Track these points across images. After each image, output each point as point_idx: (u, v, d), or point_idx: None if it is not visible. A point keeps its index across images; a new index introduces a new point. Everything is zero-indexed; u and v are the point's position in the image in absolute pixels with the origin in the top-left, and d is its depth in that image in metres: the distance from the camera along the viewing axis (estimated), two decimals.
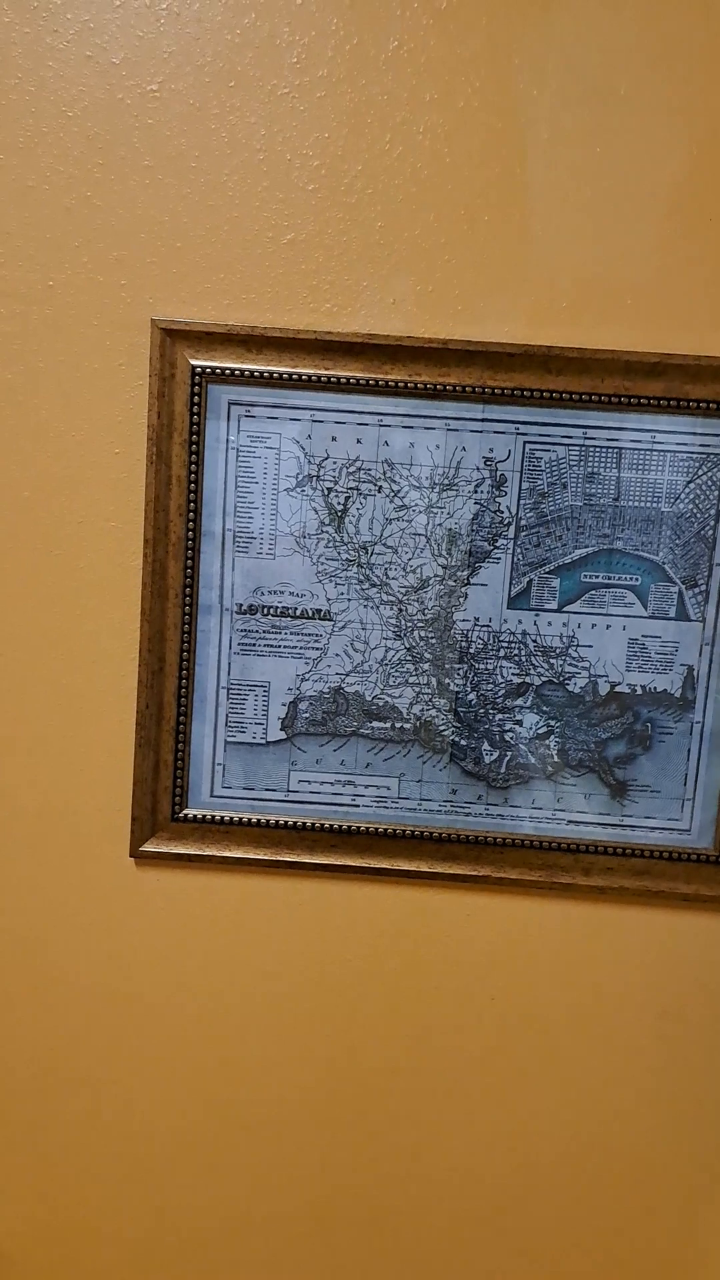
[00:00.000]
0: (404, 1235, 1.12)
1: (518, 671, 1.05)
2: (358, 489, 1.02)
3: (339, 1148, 1.11)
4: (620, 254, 0.99)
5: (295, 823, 1.05)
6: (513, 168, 0.98)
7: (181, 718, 1.04)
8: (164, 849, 1.05)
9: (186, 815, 1.05)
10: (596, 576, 1.03)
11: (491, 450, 1.02)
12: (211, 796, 1.06)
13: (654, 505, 1.02)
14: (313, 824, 1.05)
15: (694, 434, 1.01)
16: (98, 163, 0.98)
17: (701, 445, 1.01)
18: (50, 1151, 1.12)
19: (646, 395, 1.00)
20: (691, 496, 1.02)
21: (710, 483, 1.01)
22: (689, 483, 1.01)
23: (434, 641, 1.04)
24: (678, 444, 1.01)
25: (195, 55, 0.96)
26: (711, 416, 1.00)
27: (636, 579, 1.03)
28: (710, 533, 1.02)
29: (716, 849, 1.05)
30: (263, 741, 1.05)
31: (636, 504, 1.02)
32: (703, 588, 1.03)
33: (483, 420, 1.01)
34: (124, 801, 1.05)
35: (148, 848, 1.05)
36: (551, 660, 1.04)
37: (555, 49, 0.96)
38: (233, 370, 0.99)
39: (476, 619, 1.04)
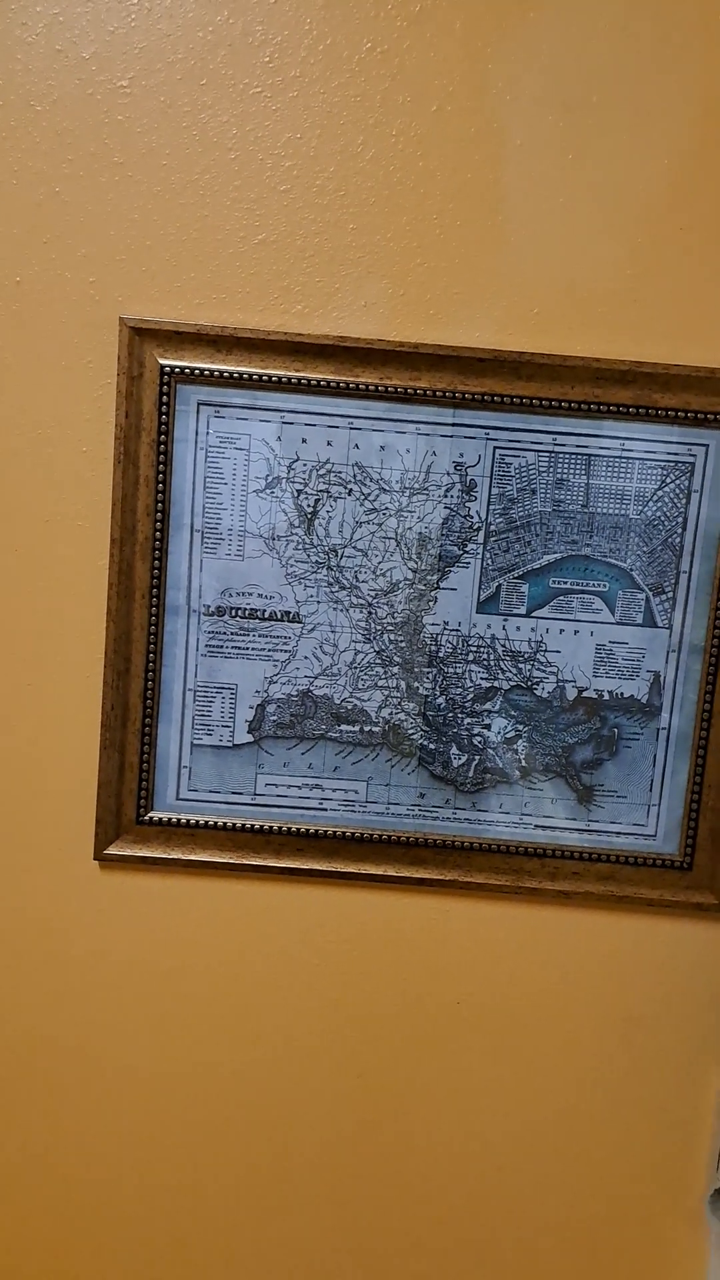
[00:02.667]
0: (370, 1237, 1.12)
1: (486, 676, 1.05)
2: (328, 491, 1.02)
3: (303, 1151, 1.10)
4: (592, 261, 0.99)
5: (262, 826, 1.05)
6: (486, 173, 0.98)
7: (147, 720, 1.03)
8: (128, 852, 1.04)
9: (151, 818, 1.04)
10: (565, 582, 1.03)
11: (462, 455, 1.02)
12: (177, 799, 1.05)
13: (623, 512, 1.02)
14: (279, 827, 1.05)
15: (663, 442, 1.01)
16: (67, 158, 0.97)
17: (670, 453, 1.02)
18: (9, 1159, 1.10)
19: (616, 403, 1.00)
20: (660, 504, 1.02)
21: (678, 490, 1.02)
22: (657, 490, 1.02)
23: (403, 645, 1.04)
24: (646, 451, 1.01)
25: (167, 52, 0.96)
26: (681, 425, 1.01)
27: (604, 585, 1.03)
28: (678, 540, 1.03)
29: (681, 854, 1.06)
30: (229, 744, 1.04)
31: (605, 511, 1.02)
32: (670, 594, 1.03)
33: (453, 425, 1.01)
34: (88, 804, 1.04)
35: (112, 851, 1.04)
36: (520, 665, 1.05)
37: (530, 56, 0.96)
38: (202, 370, 0.98)
39: (446, 623, 1.04)
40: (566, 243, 0.99)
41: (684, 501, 1.02)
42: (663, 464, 1.02)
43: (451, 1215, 1.11)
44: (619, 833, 1.06)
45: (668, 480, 1.02)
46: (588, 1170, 1.11)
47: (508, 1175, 1.11)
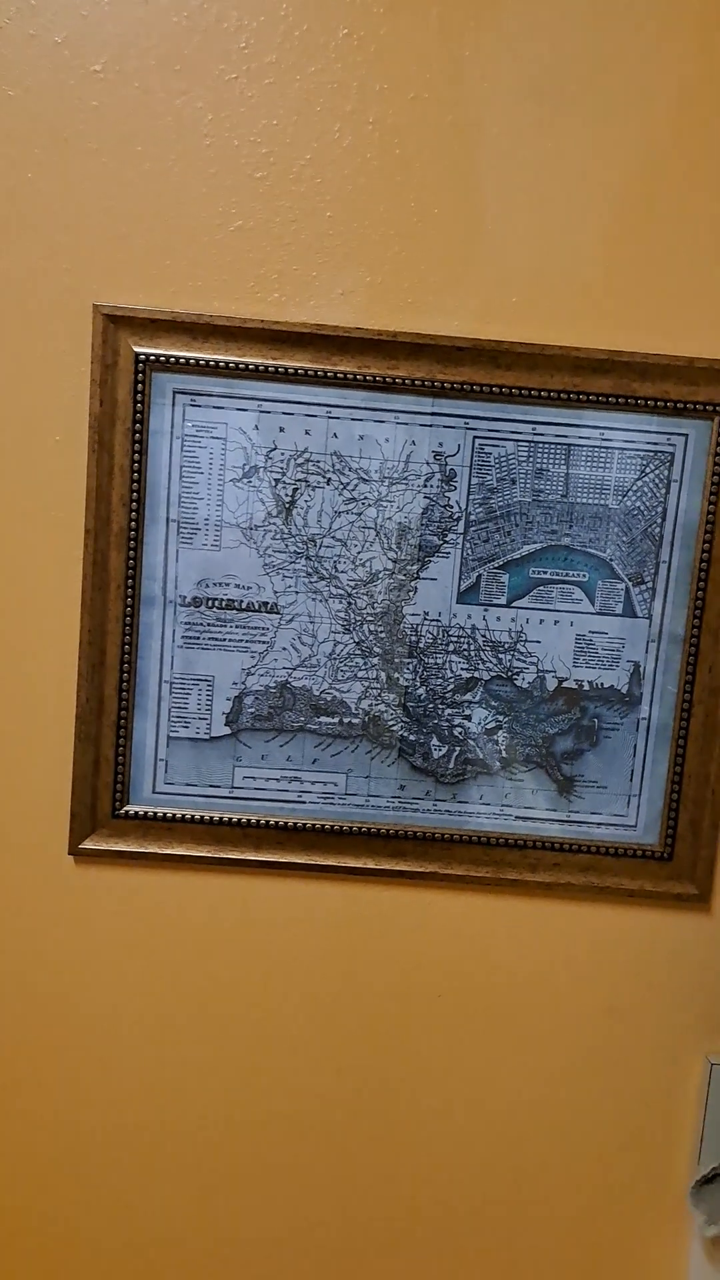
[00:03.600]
0: (345, 1230, 1.11)
1: (467, 666, 1.04)
2: (306, 480, 1.01)
3: (284, 1143, 1.09)
4: (569, 250, 0.99)
5: (240, 819, 1.04)
6: (463, 161, 0.97)
7: (123, 712, 1.01)
8: (104, 846, 1.03)
9: (127, 812, 1.03)
10: (545, 572, 1.03)
11: (441, 444, 1.01)
12: (154, 793, 1.03)
13: (602, 502, 1.02)
14: (258, 821, 1.04)
15: (642, 431, 1.01)
16: (40, 145, 0.96)
17: (649, 443, 1.01)
18: None
19: (595, 392, 1.00)
20: (639, 494, 1.02)
21: (658, 480, 1.02)
22: (637, 480, 1.02)
23: (383, 635, 1.03)
24: (625, 441, 1.01)
25: (141, 37, 0.95)
26: (659, 414, 1.01)
27: (584, 575, 1.03)
28: (657, 530, 1.02)
29: (661, 845, 1.05)
30: (207, 737, 1.03)
31: (585, 501, 1.02)
32: (649, 585, 1.03)
33: (432, 414, 1.00)
34: (63, 798, 1.03)
35: (87, 845, 1.03)
36: (500, 655, 1.04)
37: (506, 44, 0.96)
38: (178, 358, 0.97)
39: (426, 613, 1.03)
40: (544, 231, 0.98)
41: (664, 491, 1.02)
42: (642, 454, 1.01)
43: (432, 1207, 1.10)
44: (599, 824, 1.06)
45: (647, 470, 1.02)
46: (570, 1161, 1.10)
47: (491, 1166, 1.10)
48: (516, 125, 0.97)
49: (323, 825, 1.04)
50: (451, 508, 1.02)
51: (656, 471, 1.02)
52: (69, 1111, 1.08)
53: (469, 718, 1.05)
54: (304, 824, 1.04)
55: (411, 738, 1.04)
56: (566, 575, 1.03)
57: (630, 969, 1.07)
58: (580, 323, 1.00)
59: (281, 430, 1.00)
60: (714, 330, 1.00)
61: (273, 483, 1.01)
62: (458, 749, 1.05)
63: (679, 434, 1.01)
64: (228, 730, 1.03)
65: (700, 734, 1.04)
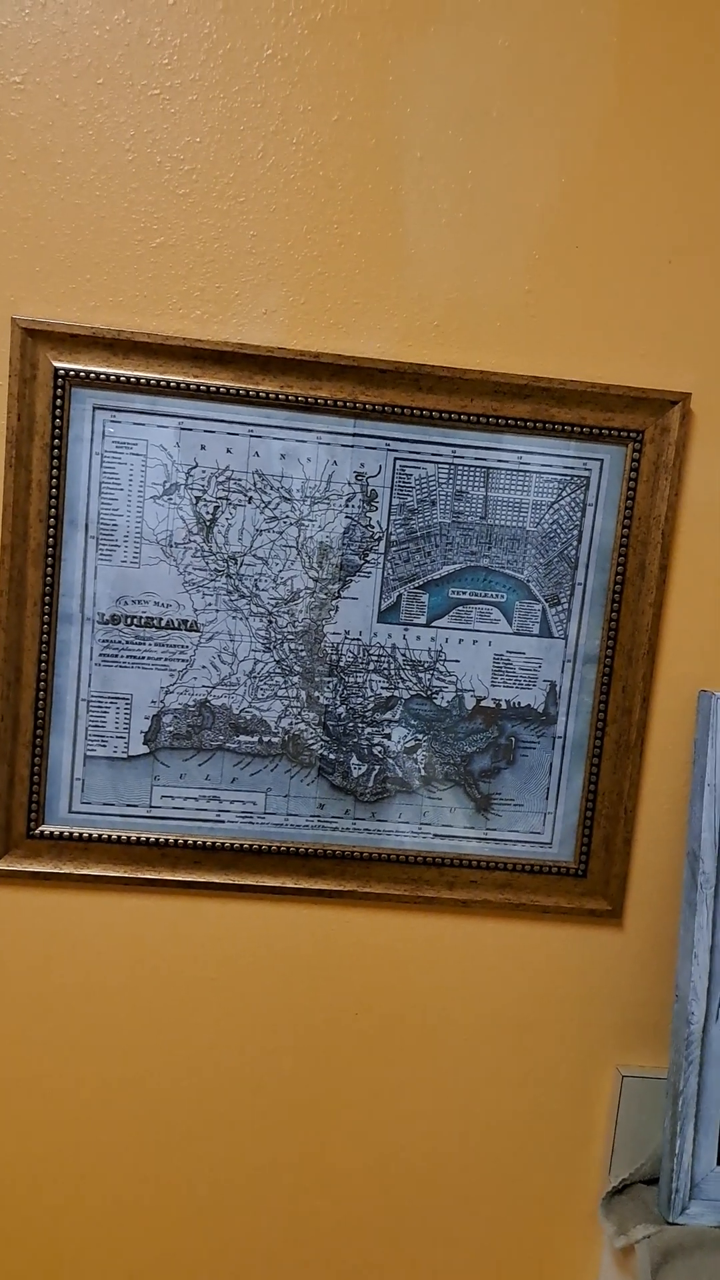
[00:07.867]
0: (266, 1253, 1.10)
1: (387, 685, 1.05)
2: (227, 499, 1.01)
3: (200, 1163, 1.08)
4: (490, 275, 1.00)
5: (157, 839, 1.03)
6: (385, 185, 0.98)
7: (39, 731, 1.00)
8: (18, 867, 1.01)
9: (43, 832, 1.01)
10: (464, 593, 1.04)
11: (363, 465, 1.02)
12: (70, 812, 1.02)
13: (520, 524, 1.04)
14: (176, 840, 1.03)
15: (559, 455, 1.03)
16: None
17: (566, 467, 1.03)
18: None
19: (514, 416, 1.01)
20: (555, 517, 1.04)
21: (574, 504, 1.04)
22: (553, 503, 1.04)
23: (304, 654, 1.04)
24: (543, 465, 1.03)
25: (62, 49, 0.94)
26: (576, 439, 1.03)
27: (502, 596, 1.05)
28: (573, 552, 1.04)
29: (576, 861, 1.07)
30: (124, 756, 1.02)
31: (503, 523, 1.04)
32: (565, 606, 1.05)
33: (354, 435, 1.01)
34: None
35: (1, 866, 1.01)
36: (420, 674, 1.05)
37: (429, 69, 0.97)
38: (98, 374, 0.96)
39: (347, 632, 1.04)
40: (465, 256, 1.00)
41: (579, 514, 1.04)
42: (559, 477, 1.03)
43: (347, 1223, 1.11)
44: (516, 841, 1.07)
45: (564, 493, 1.04)
46: (484, 1172, 1.11)
47: (405, 1178, 1.11)
48: (439, 149, 0.98)
49: (241, 845, 1.04)
50: (373, 528, 1.03)
51: (573, 495, 1.04)
52: None
53: (388, 736, 1.05)
54: (222, 843, 1.04)
55: (331, 756, 1.05)
56: (485, 596, 1.04)
57: (544, 984, 1.09)
58: (500, 347, 1.01)
59: (203, 448, 0.99)
60: (630, 358, 1.02)
61: (193, 500, 1.00)
62: (377, 768, 1.05)
63: (595, 459, 1.03)
64: (146, 749, 1.02)
65: (614, 752, 1.06)
